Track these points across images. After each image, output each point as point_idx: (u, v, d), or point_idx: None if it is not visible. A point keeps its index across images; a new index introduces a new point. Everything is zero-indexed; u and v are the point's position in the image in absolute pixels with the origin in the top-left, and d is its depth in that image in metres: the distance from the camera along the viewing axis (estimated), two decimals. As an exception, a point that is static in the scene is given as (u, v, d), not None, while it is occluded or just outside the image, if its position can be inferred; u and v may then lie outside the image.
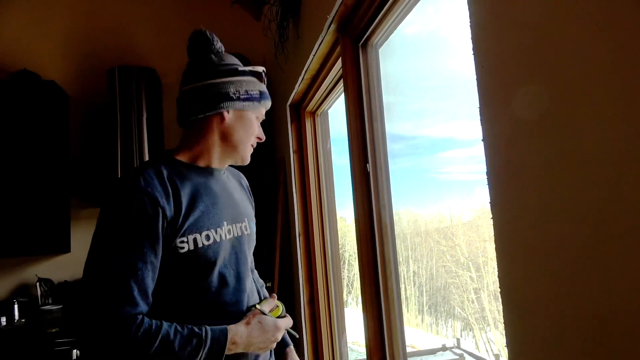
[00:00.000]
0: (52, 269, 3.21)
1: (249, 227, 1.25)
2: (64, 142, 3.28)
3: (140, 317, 0.99)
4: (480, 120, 0.84)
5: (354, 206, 1.82)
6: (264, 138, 1.29)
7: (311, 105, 2.62)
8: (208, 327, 1.05)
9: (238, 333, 1.08)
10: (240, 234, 1.20)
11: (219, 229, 1.13)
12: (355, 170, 1.81)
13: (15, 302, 2.96)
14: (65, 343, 2.62)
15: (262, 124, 1.31)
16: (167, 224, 1.03)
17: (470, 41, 0.88)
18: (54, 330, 2.83)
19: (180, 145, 1.20)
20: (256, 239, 1.35)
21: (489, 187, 0.82)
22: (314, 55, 2.07)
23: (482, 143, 0.84)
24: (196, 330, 1.03)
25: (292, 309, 2.99)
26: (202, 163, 1.19)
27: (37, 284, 3.07)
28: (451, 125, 1.76)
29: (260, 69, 1.24)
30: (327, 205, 2.65)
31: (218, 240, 1.12)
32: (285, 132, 2.86)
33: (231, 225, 1.18)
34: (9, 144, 2.99)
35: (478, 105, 0.85)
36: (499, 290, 0.78)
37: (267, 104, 1.26)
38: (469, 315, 2.14)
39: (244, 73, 1.20)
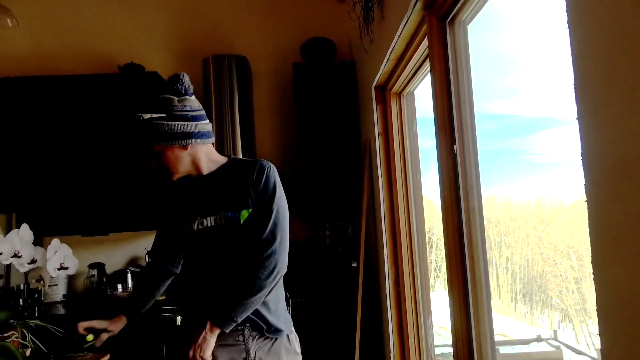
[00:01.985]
0: (158, 244, 3.53)
1: (212, 219, 1.55)
2: (166, 128, 3.56)
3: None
4: (575, 98, 0.79)
5: (440, 189, 1.79)
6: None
7: (397, 86, 2.59)
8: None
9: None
10: (206, 224, 1.55)
11: (192, 222, 1.56)
12: (442, 152, 1.77)
13: (129, 272, 3.31)
14: (170, 310, 2.89)
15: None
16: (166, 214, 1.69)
17: (565, 14, 0.83)
18: (160, 299, 3.13)
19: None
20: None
21: (584, 169, 0.78)
22: (400, 35, 2.04)
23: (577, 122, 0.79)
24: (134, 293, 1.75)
25: (376, 290, 3.03)
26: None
27: (146, 256, 3.40)
28: (549, 104, 1.65)
29: None
30: (413, 188, 2.62)
31: (193, 228, 1.55)
32: (370, 114, 2.86)
33: (200, 218, 1.56)
34: (119, 131, 3.30)
35: (573, 82, 0.80)
36: (593, 276, 0.74)
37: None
38: (569, 306, 2.02)
39: None
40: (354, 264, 3.05)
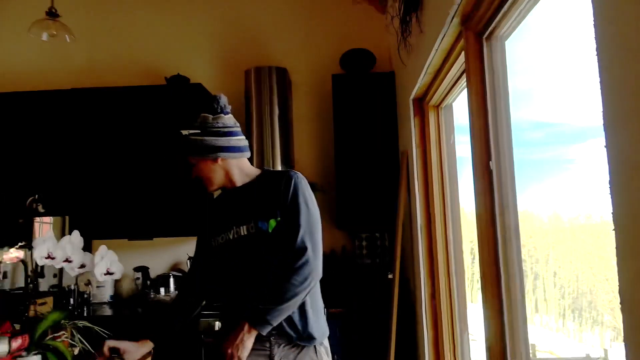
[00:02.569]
0: (199, 249, 3.65)
1: (245, 228, 1.64)
2: (209, 137, 3.69)
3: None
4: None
5: (475, 205, 1.77)
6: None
7: (435, 99, 2.58)
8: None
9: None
10: (235, 235, 1.65)
11: (227, 233, 1.66)
12: (478, 169, 1.76)
13: (171, 276, 3.44)
14: (209, 315, 2.98)
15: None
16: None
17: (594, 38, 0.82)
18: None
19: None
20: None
21: (610, 178, 0.77)
22: (437, 49, 2.04)
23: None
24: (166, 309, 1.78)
25: (412, 302, 3.01)
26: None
27: (187, 261, 3.52)
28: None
29: None
30: (450, 200, 2.60)
31: (225, 240, 1.66)
32: (408, 125, 2.86)
33: (235, 228, 1.65)
34: (166, 140, 3.45)
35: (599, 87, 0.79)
36: (619, 293, 0.73)
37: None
38: (621, 324, 1.93)
39: None
40: (390, 276, 3.04)
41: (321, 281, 1.76)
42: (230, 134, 1.71)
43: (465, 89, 2.00)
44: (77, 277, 2.67)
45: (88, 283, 1.95)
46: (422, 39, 2.30)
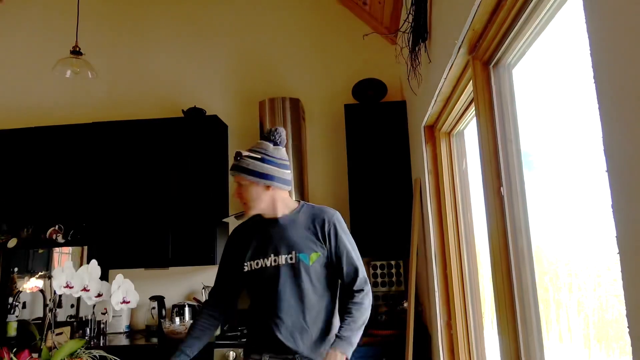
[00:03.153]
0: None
1: (289, 257, 1.79)
2: (224, 167, 3.76)
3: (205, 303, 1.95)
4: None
5: (487, 231, 1.77)
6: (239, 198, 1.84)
7: (446, 126, 2.61)
8: (184, 349, 1.79)
9: None
10: (280, 262, 1.78)
11: (265, 259, 1.80)
12: (489, 195, 1.76)
13: (186, 305, 3.45)
14: (224, 345, 2.97)
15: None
16: (233, 255, 1.87)
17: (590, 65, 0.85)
18: (215, 334, 3.23)
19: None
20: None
21: (611, 193, 0.77)
22: (445, 78, 2.08)
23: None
24: (184, 344, 1.80)
25: (427, 331, 2.96)
26: (269, 213, 1.85)
27: (203, 290, 3.53)
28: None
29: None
30: (464, 226, 2.59)
31: (263, 265, 1.79)
32: (420, 153, 2.88)
33: (274, 256, 1.79)
34: (184, 170, 3.53)
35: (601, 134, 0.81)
36: (626, 311, 0.73)
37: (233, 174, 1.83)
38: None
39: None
40: (405, 304, 3.01)
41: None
42: (285, 167, 1.83)
43: (475, 117, 2.03)
44: (94, 306, 2.69)
45: (105, 312, 1.97)
46: (431, 69, 2.35)
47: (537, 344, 1.71)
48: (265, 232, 1.84)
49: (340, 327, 1.74)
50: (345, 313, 1.77)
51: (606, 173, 0.80)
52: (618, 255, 0.77)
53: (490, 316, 2.95)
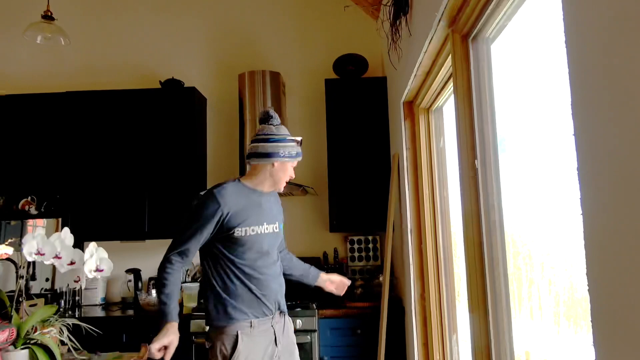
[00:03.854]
0: (192, 252, 3.65)
1: (278, 228, 2.11)
2: (202, 140, 3.72)
3: (175, 261, 1.98)
4: (572, 114, 0.81)
5: (461, 203, 1.80)
6: (294, 177, 2.08)
7: (425, 102, 2.61)
8: (173, 305, 1.90)
9: (168, 327, 1.86)
10: (272, 230, 2.06)
11: (260, 226, 2.00)
12: (463, 167, 1.78)
13: (163, 279, 3.44)
14: (200, 317, 2.98)
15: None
16: (224, 220, 1.92)
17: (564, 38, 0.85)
18: (192, 306, 3.24)
19: (247, 175, 2.07)
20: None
21: (580, 184, 0.79)
22: (425, 52, 2.08)
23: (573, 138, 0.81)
24: (170, 299, 1.91)
25: (402, 304, 3.02)
26: (257, 187, 2.04)
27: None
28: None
29: (299, 138, 2.08)
30: (440, 202, 2.62)
31: (259, 232, 1.99)
32: (399, 128, 2.89)
33: (267, 224, 2.03)
34: (161, 143, 3.47)
35: (570, 98, 0.82)
36: (587, 287, 0.75)
37: (299, 158, 2.08)
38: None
39: (289, 140, 2.02)
40: (380, 278, 3.06)
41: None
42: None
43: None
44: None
45: (78, 280, 1.95)
46: (412, 42, 2.34)
47: (505, 317, 1.75)
48: (258, 202, 2.02)
49: (309, 266, 2.29)
50: (297, 263, 2.28)
51: (575, 156, 0.81)
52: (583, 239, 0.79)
53: (463, 290, 3.02)
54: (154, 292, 3.37)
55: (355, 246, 3.43)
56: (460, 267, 2.70)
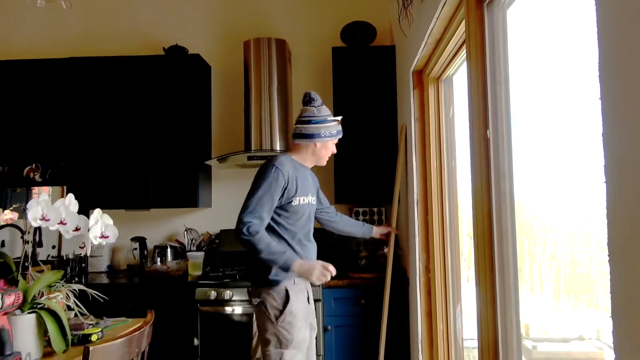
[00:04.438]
0: (197, 221, 3.66)
1: (314, 199, 2.40)
2: (207, 109, 3.67)
3: (252, 223, 2.09)
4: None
5: (471, 174, 1.76)
6: (335, 152, 2.37)
7: (435, 71, 2.55)
8: (281, 253, 2.12)
9: (300, 263, 2.17)
10: (312, 202, 2.37)
11: (307, 197, 2.29)
12: (475, 137, 1.74)
13: (168, 247, 3.46)
14: (205, 285, 3.00)
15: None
16: (286, 189, 2.18)
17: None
18: (197, 274, 3.26)
19: (294, 152, 2.33)
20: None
21: (604, 149, 0.75)
22: (437, 17, 2.01)
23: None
24: (284, 246, 2.18)
25: (406, 275, 3.03)
26: (304, 163, 2.34)
27: (185, 232, 3.53)
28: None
29: (339, 118, 2.33)
30: (448, 174, 2.59)
31: (307, 202, 2.30)
32: (407, 99, 2.83)
33: (310, 196, 2.33)
34: (165, 110, 3.43)
35: (598, 57, 0.77)
36: (607, 259, 0.73)
37: (340, 136, 2.34)
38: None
39: (330, 121, 2.27)
40: (385, 249, 3.06)
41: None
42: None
43: (465, 62, 1.97)
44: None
45: (83, 246, 1.95)
46: (423, 8, 2.26)
47: (512, 290, 1.74)
48: (305, 175, 2.31)
49: (362, 222, 2.84)
50: (350, 220, 2.80)
51: (601, 121, 0.77)
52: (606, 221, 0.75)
53: (467, 265, 3.03)
54: (159, 260, 3.39)
55: (360, 217, 3.41)
56: (466, 239, 2.69)
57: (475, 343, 1.93)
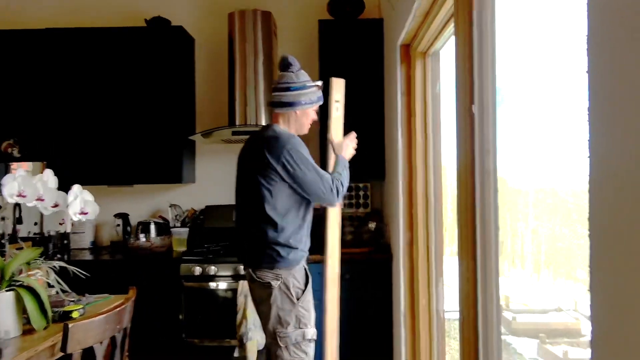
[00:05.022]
0: (181, 197, 3.62)
1: None
2: (190, 82, 3.59)
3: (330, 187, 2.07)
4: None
5: (456, 148, 1.76)
6: (316, 119, 2.25)
7: (422, 45, 2.51)
8: (342, 162, 2.24)
9: (344, 155, 2.27)
10: None
11: None
12: (460, 112, 1.73)
13: (152, 223, 3.43)
14: (189, 261, 2.99)
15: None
16: None
17: None
18: (181, 250, 3.24)
19: (276, 122, 2.19)
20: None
21: (589, 123, 0.74)
22: (425, -11, 1.96)
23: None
24: (342, 168, 2.20)
25: (388, 249, 3.05)
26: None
27: (169, 208, 3.50)
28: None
29: (319, 83, 2.21)
30: (433, 150, 2.58)
31: None
32: (394, 73, 2.80)
33: None
34: (147, 84, 3.34)
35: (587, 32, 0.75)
36: (588, 233, 0.72)
37: (321, 102, 2.23)
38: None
39: (310, 87, 2.15)
40: (370, 225, 3.07)
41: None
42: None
43: (453, 36, 1.94)
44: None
45: (62, 223, 1.91)
46: (411, -20, 2.21)
47: (493, 264, 1.75)
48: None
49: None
50: None
51: (587, 113, 0.75)
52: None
53: (451, 239, 3.06)
54: (142, 236, 3.36)
55: (346, 193, 3.41)
56: (450, 214, 2.71)
57: (456, 315, 1.96)
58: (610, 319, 0.73)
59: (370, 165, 3.20)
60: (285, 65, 2.13)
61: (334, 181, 2.07)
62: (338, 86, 2.40)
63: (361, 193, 3.41)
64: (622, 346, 0.70)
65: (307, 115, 2.18)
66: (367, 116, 3.25)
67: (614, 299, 0.72)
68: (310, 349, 2.08)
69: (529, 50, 1.80)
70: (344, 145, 2.28)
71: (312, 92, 2.15)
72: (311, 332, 2.08)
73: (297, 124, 2.17)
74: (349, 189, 3.42)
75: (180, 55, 3.43)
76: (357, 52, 3.29)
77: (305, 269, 2.14)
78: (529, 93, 1.86)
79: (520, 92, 1.89)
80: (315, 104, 2.18)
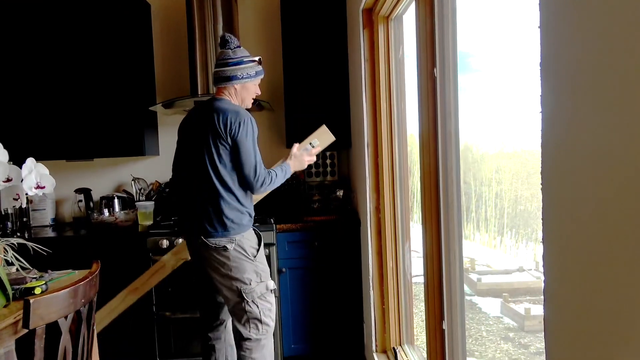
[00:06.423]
0: (145, 170, 3.54)
1: None
2: (148, 51, 3.46)
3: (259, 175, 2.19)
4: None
5: (418, 113, 1.77)
6: (259, 93, 2.37)
7: (385, 9, 2.48)
8: (281, 166, 2.35)
9: (292, 164, 2.40)
10: None
11: None
12: (422, 75, 1.73)
13: (115, 197, 3.34)
14: (157, 234, 2.95)
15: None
16: None
17: None
18: (147, 224, 3.19)
19: (220, 95, 2.28)
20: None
21: (541, 80, 0.76)
22: (386, -50, 1.93)
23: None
24: (278, 167, 2.32)
25: (356, 215, 3.09)
26: None
27: (132, 182, 3.42)
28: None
29: (257, 58, 2.31)
30: (397, 116, 2.60)
31: None
32: (357, 38, 2.76)
33: None
34: (102, 53, 3.20)
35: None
36: (542, 207, 0.75)
37: (261, 76, 2.33)
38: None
39: (247, 62, 2.25)
40: (338, 193, 3.09)
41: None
42: None
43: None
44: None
45: (17, 198, 1.84)
46: (372, -60, 2.16)
47: (456, 227, 1.79)
48: None
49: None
50: None
51: (539, 68, 0.76)
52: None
53: (417, 204, 3.11)
54: (106, 211, 3.28)
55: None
56: (416, 179, 2.76)
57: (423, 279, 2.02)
58: (561, 268, 0.77)
59: (336, 133, 3.18)
60: (223, 42, 2.25)
61: (268, 172, 2.23)
62: (322, 136, 2.61)
63: (328, 161, 3.42)
64: (571, 293, 0.74)
65: (247, 89, 2.28)
66: (332, 83, 3.22)
67: (565, 250, 0.76)
68: (273, 298, 2.31)
69: (496, 16, 1.81)
70: (299, 160, 2.44)
71: (250, 67, 2.25)
72: (271, 283, 2.29)
73: (237, 98, 2.28)
74: (317, 157, 3.42)
75: (135, 22, 3.28)
76: (320, 18, 3.22)
77: (254, 229, 2.32)
78: (495, 60, 1.88)
79: (487, 60, 1.90)
80: (254, 78, 2.28)
